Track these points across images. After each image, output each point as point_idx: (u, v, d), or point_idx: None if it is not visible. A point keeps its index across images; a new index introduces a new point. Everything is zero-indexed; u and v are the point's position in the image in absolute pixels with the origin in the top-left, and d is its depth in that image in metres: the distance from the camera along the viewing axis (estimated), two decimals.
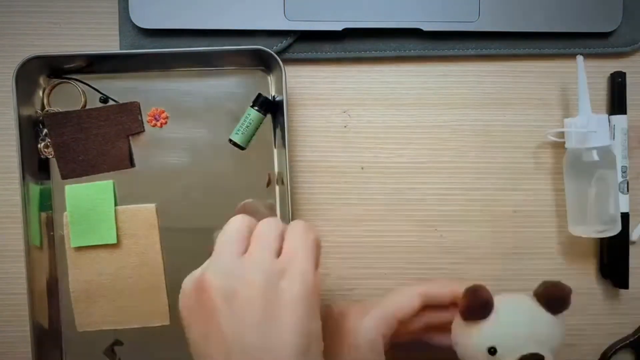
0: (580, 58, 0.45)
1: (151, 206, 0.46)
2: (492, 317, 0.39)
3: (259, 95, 0.46)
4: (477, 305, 0.39)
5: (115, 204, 0.46)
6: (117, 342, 0.47)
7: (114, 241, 0.46)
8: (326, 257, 0.48)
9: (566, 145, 0.47)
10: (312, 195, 0.48)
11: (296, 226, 0.36)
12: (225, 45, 0.47)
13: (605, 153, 0.45)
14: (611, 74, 0.48)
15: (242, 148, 0.47)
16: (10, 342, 0.48)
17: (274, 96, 0.47)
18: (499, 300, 0.40)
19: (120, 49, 0.47)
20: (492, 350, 0.38)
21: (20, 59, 0.43)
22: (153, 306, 0.46)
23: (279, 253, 0.34)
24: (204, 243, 0.46)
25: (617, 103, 0.48)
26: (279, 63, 0.44)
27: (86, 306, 0.46)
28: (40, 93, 0.46)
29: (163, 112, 0.47)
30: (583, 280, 0.49)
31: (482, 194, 0.49)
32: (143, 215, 0.46)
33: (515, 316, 0.39)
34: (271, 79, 0.47)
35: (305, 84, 0.48)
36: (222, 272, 0.33)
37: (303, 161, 0.48)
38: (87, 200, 0.46)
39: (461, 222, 0.49)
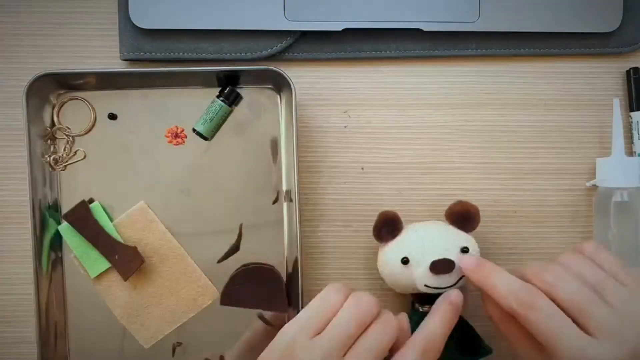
0: (616, 102, 0.46)
1: (141, 204, 0.46)
2: (403, 233, 0.44)
3: (227, 87, 0.46)
4: (383, 222, 0.43)
5: (111, 220, 0.46)
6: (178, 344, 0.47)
7: None
8: (326, 258, 0.48)
9: (597, 184, 0.47)
10: (311, 196, 0.48)
11: (384, 321, 0.37)
12: (225, 45, 0.47)
13: (636, 194, 0.46)
14: (627, 71, 0.48)
15: (206, 138, 0.46)
16: (16, 342, 0.48)
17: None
18: (411, 223, 0.44)
19: (120, 50, 0.47)
20: (404, 260, 0.42)
21: (19, 59, 0.44)
22: (197, 288, 0.46)
23: (354, 339, 0.35)
24: (206, 255, 0.47)
25: (636, 99, 0.48)
26: (289, 82, 0.44)
27: (140, 323, 0.46)
28: (50, 109, 0.46)
29: (182, 130, 0.46)
30: None
31: (482, 194, 0.49)
32: (138, 215, 0.46)
33: (425, 230, 0.44)
34: (281, 98, 0.47)
35: (305, 84, 0.48)
36: (284, 349, 0.35)
37: (302, 161, 0.48)
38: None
39: None
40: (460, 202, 0.44)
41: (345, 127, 0.48)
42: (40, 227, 0.45)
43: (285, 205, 0.47)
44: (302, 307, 0.43)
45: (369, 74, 0.48)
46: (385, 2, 0.46)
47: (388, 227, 0.44)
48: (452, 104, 0.49)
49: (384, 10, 0.46)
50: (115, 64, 0.47)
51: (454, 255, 0.42)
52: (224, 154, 0.47)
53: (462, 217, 0.44)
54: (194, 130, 0.46)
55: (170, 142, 0.47)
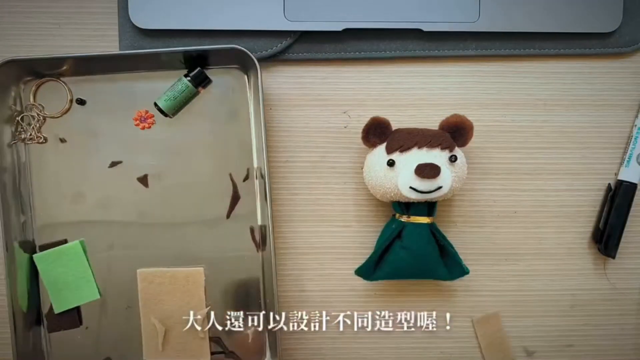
0: None
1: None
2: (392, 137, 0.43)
3: (197, 70, 0.46)
4: (372, 125, 0.43)
5: (88, 260, 0.46)
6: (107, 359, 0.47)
7: (97, 296, 0.46)
8: (326, 257, 0.48)
9: None
10: (311, 196, 0.48)
11: None
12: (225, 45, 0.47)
13: None
14: None
15: (166, 115, 0.46)
16: None
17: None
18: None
19: (120, 49, 0.47)
20: (390, 162, 0.42)
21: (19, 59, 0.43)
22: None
23: None
24: (179, 237, 0.47)
25: None
26: (253, 61, 0.44)
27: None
28: (17, 95, 0.46)
29: (147, 112, 0.47)
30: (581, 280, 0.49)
31: (482, 194, 0.49)
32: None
33: None
34: (248, 78, 0.47)
35: (305, 84, 0.48)
36: None
37: (303, 161, 0.48)
38: (59, 264, 0.46)
39: (461, 223, 0.49)
40: (456, 115, 0.43)
41: (345, 127, 0.48)
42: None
43: (257, 182, 0.47)
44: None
45: (369, 74, 0.48)
46: (385, 2, 0.46)
47: (377, 130, 0.43)
48: (452, 104, 0.49)
49: (384, 10, 0.46)
50: None
51: (441, 162, 0.42)
52: (192, 136, 0.47)
53: (456, 128, 0.43)
54: (155, 104, 0.46)
55: (142, 127, 0.47)
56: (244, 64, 0.46)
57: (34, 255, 0.46)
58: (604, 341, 0.50)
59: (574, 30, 0.47)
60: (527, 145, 0.49)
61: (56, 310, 0.46)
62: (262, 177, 0.45)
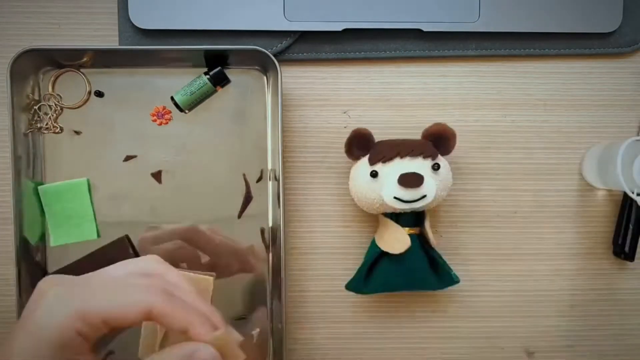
0: None
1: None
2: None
3: (217, 67, 0.46)
4: (354, 138, 0.43)
5: (91, 200, 0.46)
6: (110, 352, 0.47)
7: (95, 237, 0.46)
8: (325, 258, 0.48)
9: None
10: (311, 196, 0.48)
11: None
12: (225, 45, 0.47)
13: None
14: None
15: (182, 110, 0.47)
16: None
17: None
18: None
19: None
20: (373, 173, 0.42)
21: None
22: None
23: None
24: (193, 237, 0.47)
25: None
26: (275, 63, 0.44)
27: None
28: (36, 84, 0.46)
29: (165, 108, 0.47)
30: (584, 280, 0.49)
31: (482, 194, 0.49)
32: None
33: None
34: (267, 79, 0.47)
35: (305, 85, 0.48)
36: None
37: (303, 161, 0.48)
38: (63, 199, 0.46)
39: (461, 223, 0.49)
40: (437, 124, 0.44)
41: (345, 127, 0.48)
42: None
43: (270, 184, 0.47)
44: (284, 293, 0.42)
45: (369, 74, 0.48)
46: (385, 2, 0.46)
47: (359, 142, 0.44)
48: (452, 104, 0.49)
49: (384, 10, 0.46)
50: None
51: (424, 171, 0.42)
52: (208, 134, 0.47)
53: (438, 137, 0.44)
54: (172, 98, 0.46)
55: (159, 123, 0.47)
56: (264, 65, 0.47)
57: (39, 187, 0.46)
58: (604, 341, 0.50)
59: (574, 30, 0.47)
60: (527, 145, 0.49)
61: (52, 244, 0.46)
62: (277, 179, 0.46)
